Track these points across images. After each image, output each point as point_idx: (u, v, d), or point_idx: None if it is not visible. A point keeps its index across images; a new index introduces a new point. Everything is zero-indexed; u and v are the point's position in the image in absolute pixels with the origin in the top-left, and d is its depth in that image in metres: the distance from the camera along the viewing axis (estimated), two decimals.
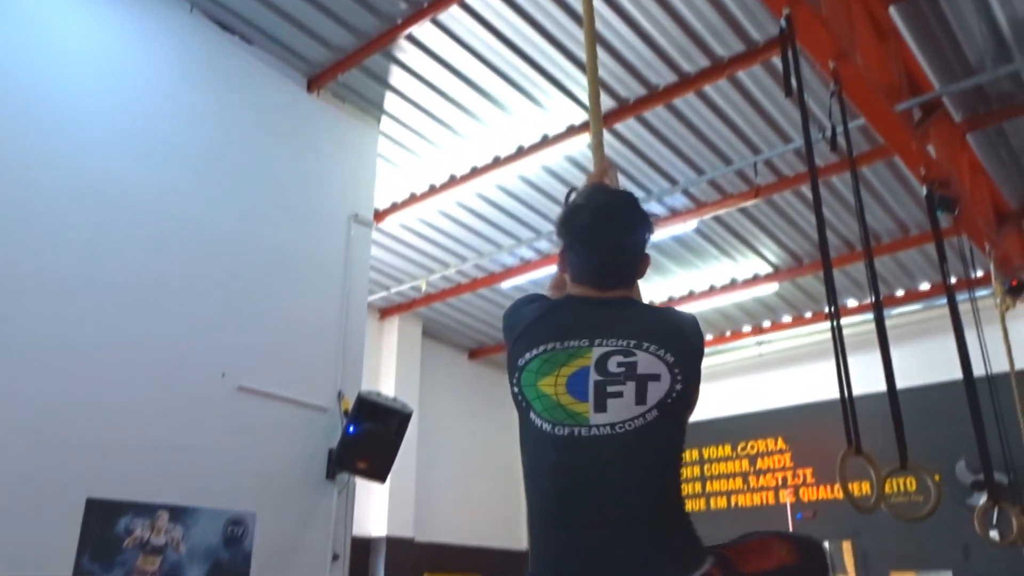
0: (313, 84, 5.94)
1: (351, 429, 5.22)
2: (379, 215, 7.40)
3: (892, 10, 5.15)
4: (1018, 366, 6.76)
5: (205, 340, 4.80)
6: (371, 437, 5.28)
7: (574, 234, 1.81)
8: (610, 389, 1.60)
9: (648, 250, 1.85)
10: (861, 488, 7.72)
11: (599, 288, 1.78)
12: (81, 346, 4.23)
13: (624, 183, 6.95)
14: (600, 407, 1.59)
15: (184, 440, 4.54)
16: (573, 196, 1.92)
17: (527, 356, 1.69)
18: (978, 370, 5.13)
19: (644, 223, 1.83)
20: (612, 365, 1.63)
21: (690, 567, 1.55)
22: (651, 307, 1.83)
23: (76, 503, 4.01)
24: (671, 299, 9.21)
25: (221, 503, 4.65)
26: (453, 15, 5.36)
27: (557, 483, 1.59)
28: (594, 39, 2.73)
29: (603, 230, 1.78)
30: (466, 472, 10.37)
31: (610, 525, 1.55)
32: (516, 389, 1.69)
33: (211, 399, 4.75)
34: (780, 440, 10.18)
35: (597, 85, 2.60)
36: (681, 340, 1.70)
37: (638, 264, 1.84)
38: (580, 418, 1.59)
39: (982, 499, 7.97)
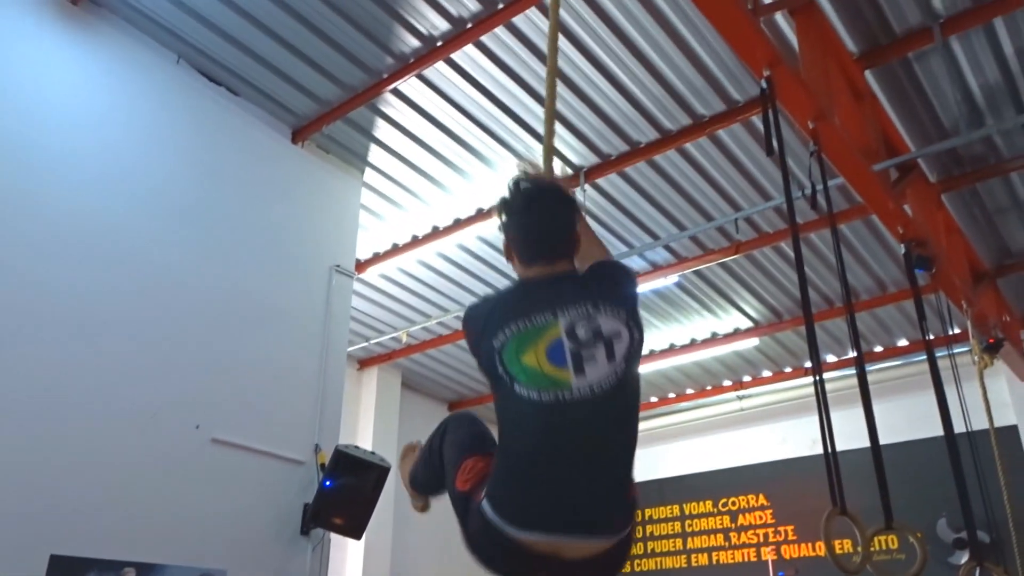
0: (298, 135, 5.97)
1: (327, 483, 5.10)
2: (361, 266, 7.38)
3: (868, 74, 5.28)
4: (997, 423, 6.79)
5: (179, 390, 4.71)
6: (348, 492, 5.16)
7: (513, 219, 2.08)
8: (584, 353, 1.85)
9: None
10: (843, 546, 7.63)
11: (545, 263, 2.02)
12: (48, 395, 4.13)
13: (606, 237, 7.00)
14: (579, 371, 1.84)
15: (154, 494, 4.41)
16: (505, 196, 2.15)
17: (501, 338, 1.89)
18: (958, 427, 5.14)
19: (569, 199, 2.13)
20: (580, 332, 1.87)
21: (628, 521, 1.94)
22: (589, 271, 2.07)
23: (39, 560, 3.86)
24: (652, 352, 9.21)
25: (191, 560, 4.50)
26: (439, 70, 5.43)
27: (545, 440, 1.83)
28: (554, 80, 2.73)
29: (536, 209, 2.07)
30: (443, 528, 10.11)
31: (595, 472, 1.85)
32: (500, 368, 1.87)
33: (184, 451, 4.63)
34: (761, 496, 10.10)
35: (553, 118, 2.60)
36: (623, 293, 2.00)
37: (574, 237, 2.10)
38: (563, 383, 1.83)
39: (964, 557, 7.94)
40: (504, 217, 2.11)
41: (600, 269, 2.10)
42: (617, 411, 1.91)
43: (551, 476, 1.84)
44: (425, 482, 2.49)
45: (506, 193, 2.13)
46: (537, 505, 1.85)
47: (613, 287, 2.01)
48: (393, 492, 8.82)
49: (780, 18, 4.93)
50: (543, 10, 4.93)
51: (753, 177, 6.41)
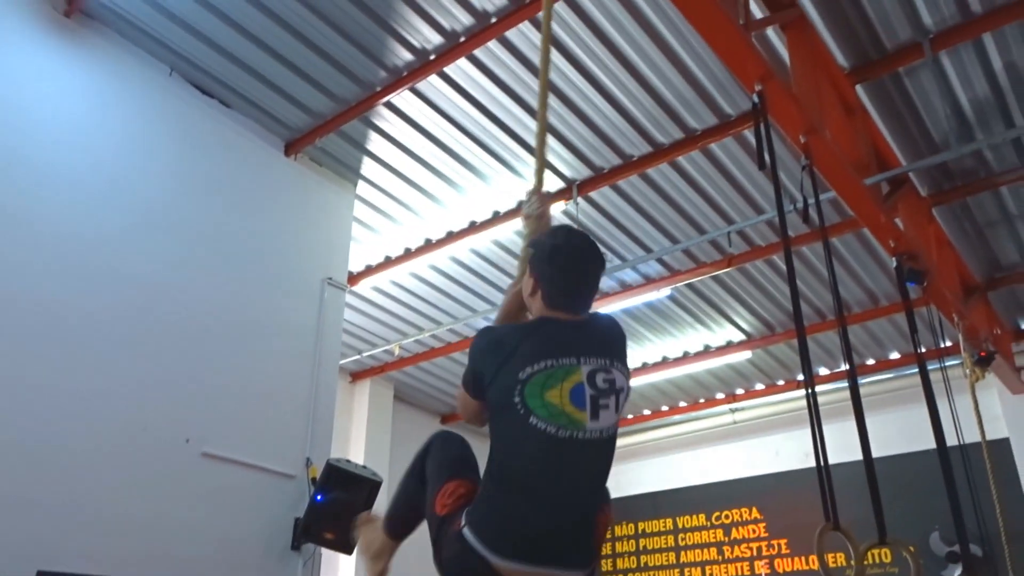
0: (291, 148, 5.97)
1: (319, 498, 5.07)
2: (353, 278, 7.36)
3: (859, 89, 5.31)
4: (989, 436, 6.81)
5: (169, 404, 4.68)
6: (339, 506, 5.12)
7: (557, 268, 2.18)
8: (601, 402, 2.03)
9: (622, 317, 2.13)
10: (836, 559, 7.63)
11: (572, 313, 2.17)
12: (36, 410, 4.10)
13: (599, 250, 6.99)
14: (595, 416, 2.01)
15: (144, 509, 4.38)
16: (547, 238, 2.28)
17: (528, 371, 2.00)
18: (950, 440, 5.15)
19: (603, 259, 2.29)
20: (599, 381, 2.04)
21: (598, 555, 2.13)
22: (600, 324, 2.22)
23: None
24: (644, 365, 9.20)
25: (181, 575, 4.46)
26: (432, 83, 5.44)
27: (552, 471, 1.97)
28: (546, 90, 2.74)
29: (583, 268, 2.22)
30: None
31: (583, 506, 2.03)
32: (517, 399, 1.98)
33: (173, 466, 4.60)
34: (754, 510, 10.07)
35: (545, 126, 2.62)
36: (624, 350, 2.20)
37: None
38: (579, 424, 1.99)
39: (957, 571, 7.93)
40: (545, 260, 2.20)
41: (612, 328, 2.24)
42: (610, 455, 2.11)
43: (550, 505, 1.96)
44: (400, 513, 2.47)
45: (552, 239, 2.25)
46: (526, 535, 1.93)
47: (622, 347, 2.20)
48: (385, 505, 8.78)
49: (771, 33, 4.96)
50: (536, 24, 4.95)
51: (745, 190, 6.43)
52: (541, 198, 2.54)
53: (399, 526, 2.49)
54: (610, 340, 2.17)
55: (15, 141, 4.39)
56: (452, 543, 2.00)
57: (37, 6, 4.66)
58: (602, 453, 2.06)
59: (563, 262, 2.19)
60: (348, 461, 5.40)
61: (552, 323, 2.14)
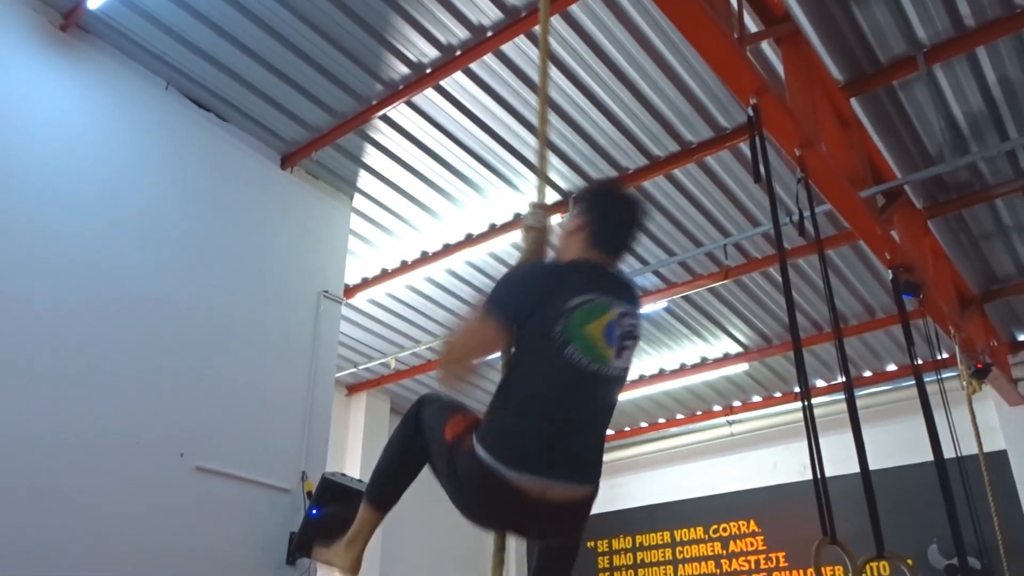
0: (287, 161, 5.97)
1: (314, 512, 5.04)
2: (349, 291, 7.35)
3: (854, 102, 5.33)
4: (987, 448, 6.79)
5: (163, 418, 4.65)
6: (335, 520, 5.07)
7: (608, 213, 2.34)
8: (625, 343, 2.18)
9: None
10: (834, 572, 7.59)
11: (609, 258, 2.33)
12: (28, 423, 4.07)
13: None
14: (619, 355, 2.17)
15: (137, 522, 4.34)
16: (601, 184, 2.63)
17: (575, 301, 2.12)
18: (948, 452, 5.13)
19: (644, 223, 2.47)
20: (625, 323, 2.19)
21: (600, 475, 2.22)
22: (624, 276, 2.38)
23: None
24: (641, 377, 9.18)
25: None
26: (428, 97, 5.45)
27: (576, 399, 2.10)
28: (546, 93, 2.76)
29: (629, 219, 2.38)
30: (432, 558, 10.04)
31: (595, 432, 2.19)
32: (559, 328, 2.09)
33: (168, 480, 4.57)
34: (752, 522, 10.03)
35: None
36: (640, 306, 2.38)
37: None
38: (606, 360, 2.13)
39: None
40: (597, 202, 2.38)
41: (633, 283, 2.43)
42: (619, 392, 2.27)
43: (567, 427, 2.09)
44: (389, 477, 2.46)
45: (607, 186, 2.50)
46: (540, 451, 2.05)
47: (639, 302, 2.41)
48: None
49: (766, 46, 4.99)
50: (531, 38, 4.97)
51: (741, 203, 6.45)
52: (544, 211, 2.58)
53: (389, 490, 2.48)
54: (633, 291, 2.34)
55: (10, 154, 4.38)
56: (464, 462, 2.09)
57: (33, 20, 4.67)
58: (616, 389, 2.23)
59: (614, 208, 2.36)
60: (344, 475, 5.37)
61: (591, 264, 2.28)
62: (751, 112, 4.06)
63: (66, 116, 4.74)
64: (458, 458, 2.12)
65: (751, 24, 4.64)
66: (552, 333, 2.09)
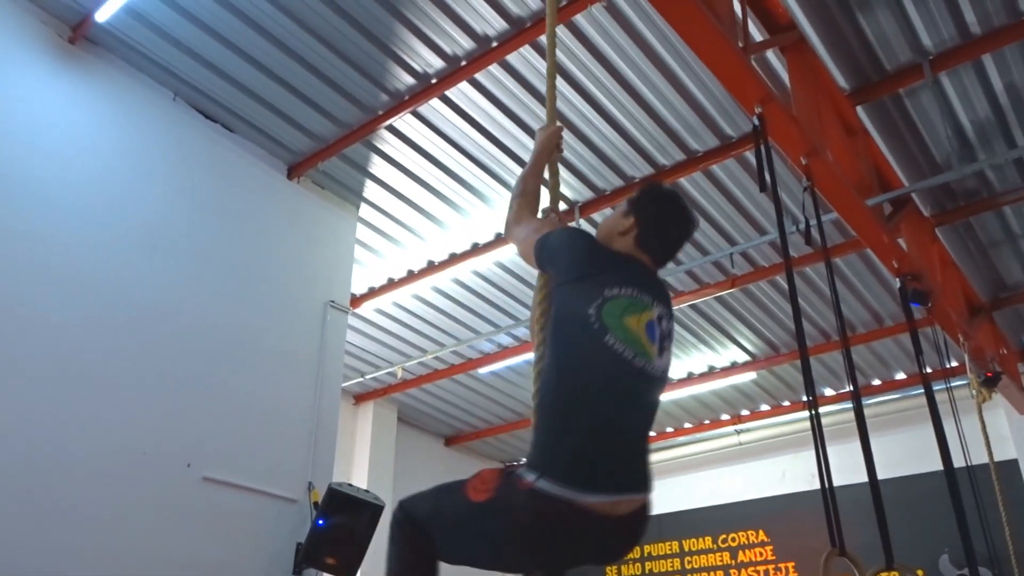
0: (293, 171, 5.99)
1: (320, 522, 5.04)
2: (356, 300, 7.36)
3: (860, 110, 5.31)
4: (997, 457, 6.74)
5: (169, 428, 4.67)
6: (341, 531, 5.09)
7: (661, 217, 2.31)
8: (664, 343, 2.16)
9: None
10: None
11: (654, 262, 2.30)
12: (35, 433, 4.09)
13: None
14: (660, 354, 2.14)
15: (144, 533, 4.35)
16: (658, 187, 2.43)
17: (615, 292, 2.09)
18: (958, 461, 5.09)
19: (692, 233, 2.44)
20: (664, 324, 2.18)
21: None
22: (662, 282, 2.36)
23: None
24: None
25: None
26: (433, 107, 5.47)
27: (627, 396, 2.03)
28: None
29: (680, 227, 2.36)
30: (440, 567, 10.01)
31: (645, 436, 2.12)
32: (592, 311, 2.04)
33: (174, 490, 4.58)
34: (761, 532, 9.97)
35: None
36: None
37: None
38: (650, 357, 2.08)
39: None
40: (652, 205, 2.33)
41: (669, 294, 2.37)
42: (661, 394, 2.21)
43: (623, 432, 2.03)
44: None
45: (664, 191, 2.41)
46: (606, 467, 1.96)
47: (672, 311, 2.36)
48: (387, 531, 8.72)
49: (771, 55, 4.98)
50: (536, 48, 4.98)
51: (747, 211, 6.43)
52: (556, 216, 2.59)
53: None
54: (670, 298, 2.31)
55: (20, 165, 4.41)
56: (521, 505, 1.93)
57: (42, 32, 4.71)
58: (660, 390, 2.17)
59: (668, 214, 2.34)
60: (350, 485, 5.36)
61: (639, 262, 2.26)
62: (756, 121, 4.05)
63: (74, 127, 4.77)
64: (509, 506, 1.96)
65: (756, 33, 4.64)
66: (586, 315, 2.04)
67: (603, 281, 2.10)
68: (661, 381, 2.15)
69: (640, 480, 2.04)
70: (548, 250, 2.27)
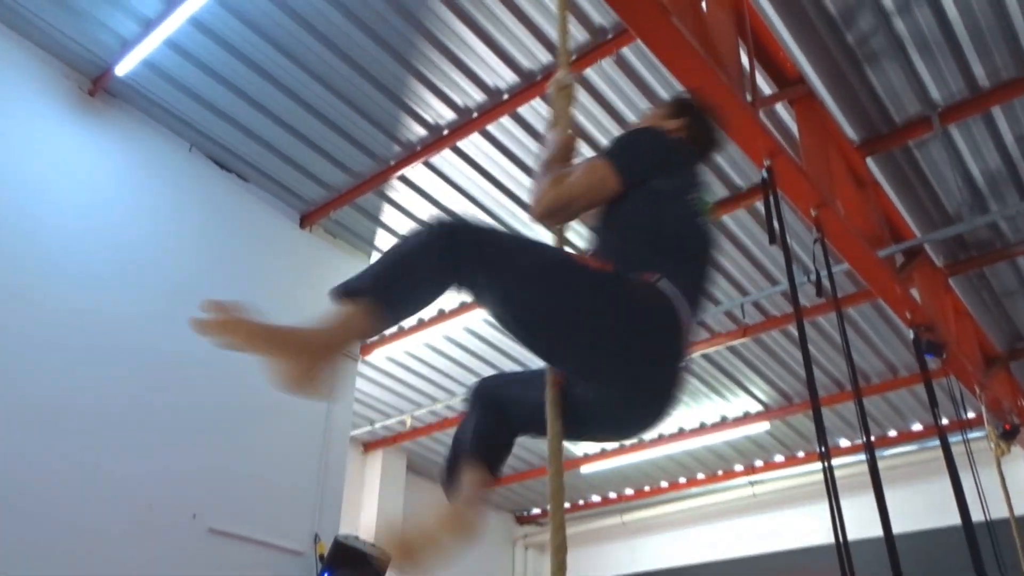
0: (306, 220, 6.05)
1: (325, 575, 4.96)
2: (366, 348, 7.35)
3: (870, 161, 5.33)
4: (1018, 511, 6.59)
5: (175, 479, 4.64)
6: None
7: (710, 124, 2.48)
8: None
9: None
10: None
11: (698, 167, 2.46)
12: (44, 482, 4.07)
13: None
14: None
15: None
16: (702, 100, 2.59)
17: (698, 183, 2.26)
18: (976, 515, 4.98)
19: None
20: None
21: None
22: None
23: None
24: (661, 436, 9.05)
25: None
26: (445, 158, 5.53)
27: (709, 257, 2.18)
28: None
29: (723, 140, 2.62)
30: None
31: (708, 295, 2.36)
32: (691, 196, 2.18)
33: (180, 542, 4.54)
34: None
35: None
36: None
37: None
38: (715, 239, 2.28)
39: None
40: (697, 112, 2.48)
41: None
42: None
43: (708, 278, 2.18)
44: (408, 285, 1.88)
45: (704, 100, 2.57)
46: (701, 296, 2.12)
47: None
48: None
49: (781, 107, 5.02)
50: (547, 100, 5.03)
51: (759, 261, 6.42)
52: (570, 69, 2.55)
53: (403, 296, 1.87)
54: None
55: (39, 217, 4.48)
56: (647, 293, 1.88)
57: (63, 85, 4.81)
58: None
59: (711, 120, 2.50)
60: (356, 538, 5.28)
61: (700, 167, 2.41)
62: (765, 174, 4.07)
63: (93, 177, 4.86)
64: (626, 289, 1.84)
65: (764, 87, 4.68)
66: (687, 198, 2.16)
67: (687, 172, 2.26)
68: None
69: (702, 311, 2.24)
70: (627, 153, 2.14)
